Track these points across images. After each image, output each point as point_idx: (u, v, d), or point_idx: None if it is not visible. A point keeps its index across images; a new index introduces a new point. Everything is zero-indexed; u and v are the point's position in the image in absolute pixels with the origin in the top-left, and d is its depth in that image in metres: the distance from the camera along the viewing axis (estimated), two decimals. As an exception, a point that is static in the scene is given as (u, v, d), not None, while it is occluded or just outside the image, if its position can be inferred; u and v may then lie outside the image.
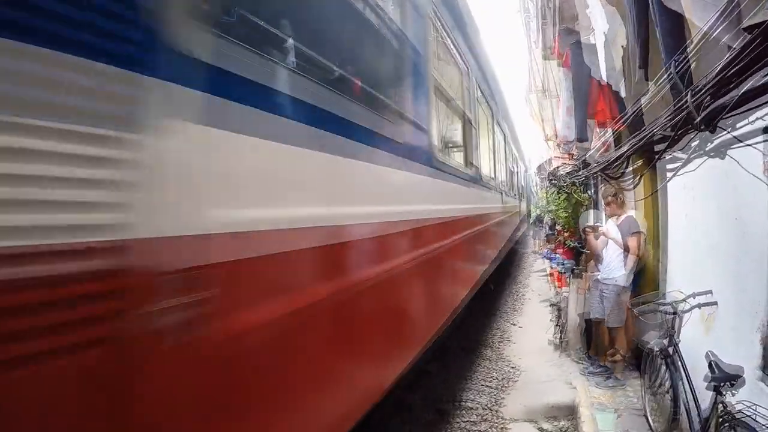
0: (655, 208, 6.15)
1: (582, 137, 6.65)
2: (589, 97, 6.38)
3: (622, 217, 5.81)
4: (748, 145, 2.21)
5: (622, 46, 4.83)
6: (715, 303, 3.81)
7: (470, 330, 8.19)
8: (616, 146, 5.78)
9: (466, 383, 6.08)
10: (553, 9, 7.56)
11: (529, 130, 25.09)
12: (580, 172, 9.15)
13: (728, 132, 1.99)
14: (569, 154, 8.54)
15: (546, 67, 10.47)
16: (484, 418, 5.22)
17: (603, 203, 6.48)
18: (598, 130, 7.04)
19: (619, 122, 6.12)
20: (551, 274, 11.47)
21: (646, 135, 2.83)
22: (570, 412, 5.18)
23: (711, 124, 1.87)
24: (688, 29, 3.12)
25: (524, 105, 20.92)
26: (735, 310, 3.50)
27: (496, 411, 5.37)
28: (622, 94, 4.95)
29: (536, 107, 14.28)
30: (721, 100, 1.77)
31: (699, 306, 4.03)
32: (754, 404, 2.91)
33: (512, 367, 6.70)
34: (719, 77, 1.58)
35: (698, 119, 1.85)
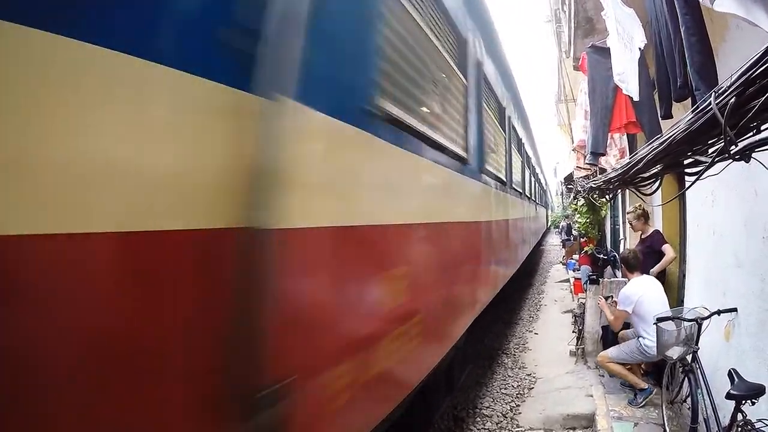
0: (675, 213, 6.16)
1: (597, 150, 6.37)
2: (606, 104, 6.21)
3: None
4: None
5: (639, 48, 4.81)
6: (739, 320, 3.80)
7: (488, 337, 8.19)
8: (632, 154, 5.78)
9: (484, 390, 6.10)
10: (579, 21, 7.48)
11: (556, 138, 25.13)
12: (597, 177, 9.09)
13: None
14: (590, 164, 8.42)
15: (576, 78, 10.43)
16: (501, 425, 5.24)
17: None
18: (613, 135, 6.96)
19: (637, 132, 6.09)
20: (575, 285, 11.36)
21: (675, 158, 2.83)
22: (587, 421, 5.18)
23: (747, 158, 1.88)
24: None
25: (553, 114, 20.81)
26: (757, 329, 3.48)
27: (513, 419, 5.38)
28: (635, 98, 4.89)
29: (565, 117, 14.19)
30: (759, 137, 1.77)
31: (719, 320, 4.01)
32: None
33: (530, 375, 6.70)
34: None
35: (735, 151, 1.85)
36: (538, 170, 18.18)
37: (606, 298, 6.08)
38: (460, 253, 4.21)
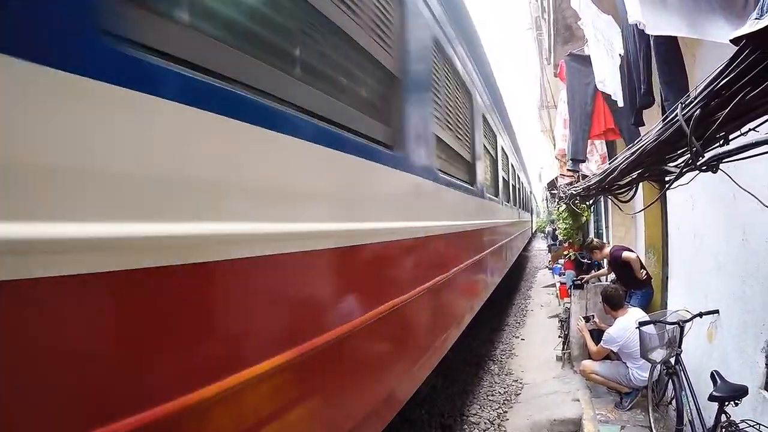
0: (657, 217, 6.24)
1: (577, 157, 6.45)
2: (585, 111, 6.25)
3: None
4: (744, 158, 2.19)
5: (620, 55, 4.86)
6: (721, 322, 3.85)
7: (474, 344, 8.20)
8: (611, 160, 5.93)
9: (471, 397, 6.09)
10: (559, 28, 7.60)
11: (539, 144, 25.30)
12: (578, 184, 9.19)
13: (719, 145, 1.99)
14: (571, 171, 8.56)
15: (557, 84, 10.58)
16: (489, 432, 5.24)
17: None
18: (594, 142, 7.07)
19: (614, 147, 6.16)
20: (560, 290, 11.43)
21: (646, 171, 2.88)
22: (574, 426, 5.19)
23: (714, 168, 1.92)
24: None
25: (536, 120, 20.99)
26: (739, 330, 3.52)
27: (501, 425, 5.38)
28: (620, 104, 4.95)
29: (548, 123, 14.36)
30: (725, 148, 1.80)
31: (701, 322, 4.05)
32: (758, 423, 2.93)
33: (516, 381, 6.71)
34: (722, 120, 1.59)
35: (701, 162, 1.88)
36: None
37: (587, 319, 6.05)
38: None
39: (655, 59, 3.12)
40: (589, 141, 6.53)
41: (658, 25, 2.40)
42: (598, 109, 5.93)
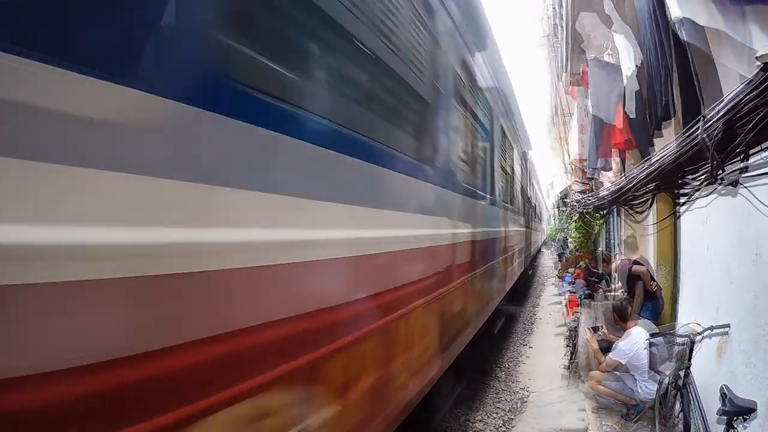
0: (669, 229, 6.21)
1: (606, 167, 6.49)
2: (608, 119, 6.18)
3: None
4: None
5: (636, 66, 4.86)
6: (731, 337, 3.82)
7: (482, 351, 8.18)
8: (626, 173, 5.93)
9: (477, 404, 6.08)
10: (575, 38, 7.60)
11: (551, 154, 25.24)
12: (591, 194, 9.16)
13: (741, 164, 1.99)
14: (588, 178, 8.53)
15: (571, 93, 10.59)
16: (494, 440, 5.23)
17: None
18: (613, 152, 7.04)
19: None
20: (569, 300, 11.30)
21: (665, 186, 2.88)
22: (580, 437, 5.17)
23: (734, 183, 1.93)
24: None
25: (550, 130, 20.95)
26: (749, 346, 3.50)
27: (507, 433, 5.37)
28: (631, 115, 4.93)
29: (562, 134, 14.33)
30: (744, 164, 1.81)
31: (711, 336, 4.04)
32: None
33: (523, 389, 6.69)
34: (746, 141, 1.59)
35: (721, 176, 1.89)
36: None
37: (595, 330, 6.04)
38: None
39: (694, 70, 3.06)
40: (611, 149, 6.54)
41: (696, 12, 2.35)
42: (618, 117, 5.90)
